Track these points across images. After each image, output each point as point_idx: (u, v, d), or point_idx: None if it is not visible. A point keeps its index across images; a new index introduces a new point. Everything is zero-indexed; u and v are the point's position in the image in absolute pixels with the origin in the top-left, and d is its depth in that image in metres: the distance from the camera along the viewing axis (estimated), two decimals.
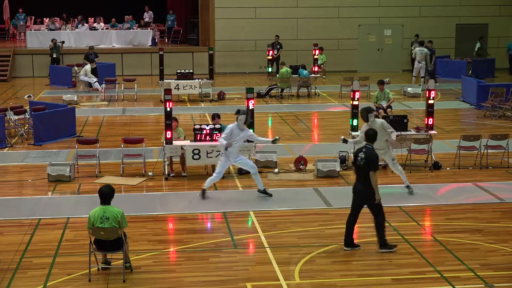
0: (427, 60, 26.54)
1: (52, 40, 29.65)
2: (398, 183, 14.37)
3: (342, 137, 14.23)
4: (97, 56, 27.91)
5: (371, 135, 10.94)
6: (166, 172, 14.82)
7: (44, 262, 10.30)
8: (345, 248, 10.77)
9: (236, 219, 12.28)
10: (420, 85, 26.34)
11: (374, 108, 18.92)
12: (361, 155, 10.62)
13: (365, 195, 10.59)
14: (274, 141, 13.69)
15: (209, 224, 12.40)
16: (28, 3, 35.55)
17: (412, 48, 31.52)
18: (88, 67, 26.75)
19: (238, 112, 13.37)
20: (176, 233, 11.82)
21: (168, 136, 14.54)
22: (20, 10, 34.58)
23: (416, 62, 26.92)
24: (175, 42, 34.83)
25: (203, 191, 13.36)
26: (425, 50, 26.67)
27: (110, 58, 30.29)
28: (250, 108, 14.69)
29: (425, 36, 30.52)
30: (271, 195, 13.38)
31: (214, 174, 13.44)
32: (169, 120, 14.55)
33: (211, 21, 31.70)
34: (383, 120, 13.77)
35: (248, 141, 14.11)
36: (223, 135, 13.27)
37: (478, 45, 31.34)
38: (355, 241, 10.85)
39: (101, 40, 32.87)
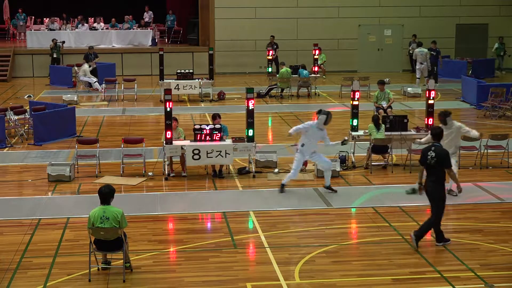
0: (427, 60, 26.53)
1: (52, 40, 29.65)
2: (398, 183, 14.41)
3: (417, 140, 14.26)
4: (97, 56, 27.89)
5: (438, 134, 11.04)
6: (166, 172, 14.82)
7: (44, 262, 10.30)
8: (437, 244, 10.83)
9: (236, 219, 12.28)
10: (425, 85, 26.32)
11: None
12: (431, 153, 10.68)
13: (432, 191, 10.72)
14: (343, 143, 14.23)
15: (209, 224, 12.40)
16: (28, 3, 35.57)
17: (410, 48, 31.60)
18: (86, 67, 26.69)
19: (319, 112, 13.70)
20: (176, 233, 11.82)
21: (168, 136, 14.54)
22: (20, 10, 34.57)
23: (418, 64, 26.85)
24: (175, 42, 34.83)
25: (282, 186, 13.70)
26: (425, 50, 26.65)
27: (110, 58, 30.29)
28: (250, 108, 14.67)
29: (425, 36, 30.54)
30: (335, 191, 13.66)
31: (291, 171, 13.76)
32: (169, 120, 14.54)
33: (211, 21, 31.71)
34: (460, 124, 13.68)
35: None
36: (298, 126, 13.68)
37: (496, 45, 31.36)
38: (359, 240, 10.85)
39: (101, 40, 32.87)
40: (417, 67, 27.04)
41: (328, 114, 13.52)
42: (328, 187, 13.72)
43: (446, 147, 12.97)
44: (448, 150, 13.13)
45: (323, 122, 13.48)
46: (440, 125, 13.25)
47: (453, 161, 13.40)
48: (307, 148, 13.57)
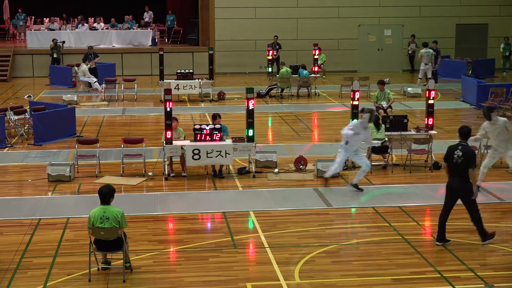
0: (432, 61, 26.51)
1: (53, 40, 29.64)
2: (398, 183, 14.41)
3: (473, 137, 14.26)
4: (97, 56, 27.87)
5: (466, 133, 11.01)
6: (166, 172, 14.81)
7: (44, 262, 10.30)
8: (437, 243, 10.85)
9: (236, 219, 12.28)
10: (425, 84, 26.29)
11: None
12: (458, 152, 10.70)
13: (462, 191, 10.73)
14: (383, 142, 14.67)
15: (209, 224, 12.40)
16: (28, 3, 35.57)
17: (409, 48, 31.58)
18: (84, 67, 26.64)
19: (362, 111, 13.77)
20: (176, 233, 11.82)
21: (168, 136, 14.53)
22: (20, 10, 34.59)
23: (422, 64, 26.70)
24: (175, 42, 34.84)
25: (326, 179, 14.05)
26: (431, 51, 26.63)
27: (110, 58, 30.28)
28: (250, 108, 14.67)
29: (425, 36, 30.53)
30: (362, 190, 13.68)
31: (334, 164, 13.98)
32: (169, 120, 14.54)
33: (211, 21, 31.71)
34: (505, 119, 13.65)
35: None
36: (348, 126, 13.69)
37: (502, 45, 31.34)
38: (356, 240, 10.85)
39: (101, 40, 32.87)
40: (421, 67, 26.91)
41: (372, 111, 13.70)
42: (355, 185, 13.72)
43: (496, 143, 13.12)
44: (500, 147, 13.21)
45: (368, 120, 13.57)
46: (486, 121, 13.28)
47: (510, 157, 13.39)
48: (351, 146, 13.67)
